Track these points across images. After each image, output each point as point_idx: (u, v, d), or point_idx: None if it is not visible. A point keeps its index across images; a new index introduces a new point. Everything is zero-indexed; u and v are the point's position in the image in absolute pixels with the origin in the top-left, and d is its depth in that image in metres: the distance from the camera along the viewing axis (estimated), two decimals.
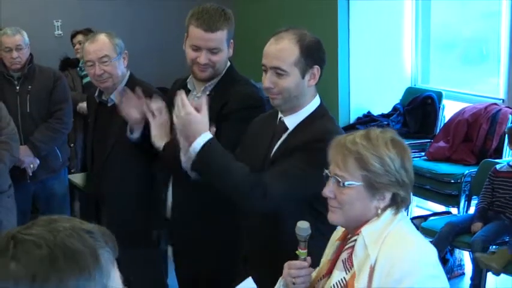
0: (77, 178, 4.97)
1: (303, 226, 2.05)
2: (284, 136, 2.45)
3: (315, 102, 2.45)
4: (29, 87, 4.45)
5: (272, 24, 6.63)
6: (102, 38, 3.27)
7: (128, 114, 3.01)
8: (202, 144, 2.32)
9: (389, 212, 1.91)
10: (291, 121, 2.43)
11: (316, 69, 2.38)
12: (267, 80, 2.37)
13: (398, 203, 1.91)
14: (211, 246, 2.89)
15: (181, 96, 2.36)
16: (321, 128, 2.37)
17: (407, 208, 1.96)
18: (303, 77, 2.37)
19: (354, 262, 1.89)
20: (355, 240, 1.93)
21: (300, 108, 2.42)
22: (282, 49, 2.34)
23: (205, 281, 2.98)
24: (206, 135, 2.33)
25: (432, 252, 1.87)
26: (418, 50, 6.21)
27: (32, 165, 4.37)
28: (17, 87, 4.44)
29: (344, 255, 1.97)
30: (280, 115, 2.48)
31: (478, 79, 6.04)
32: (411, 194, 1.94)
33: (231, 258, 2.79)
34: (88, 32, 5.33)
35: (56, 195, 4.46)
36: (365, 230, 1.90)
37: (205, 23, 2.74)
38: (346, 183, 1.90)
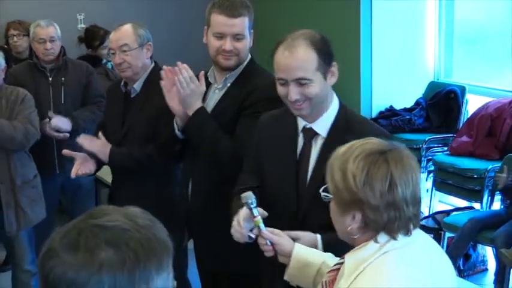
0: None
1: (246, 195, 2.18)
2: (318, 145, 2.36)
3: (335, 100, 2.39)
4: (63, 79, 4.49)
5: (293, 21, 6.65)
6: (126, 27, 3.27)
7: (171, 106, 2.89)
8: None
9: (378, 240, 1.70)
10: (321, 127, 2.35)
11: (334, 66, 2.31)
12: (293, 93, 2.24)
13: (379, 227, 1.68)
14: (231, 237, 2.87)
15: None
16: (373, 130, 2.29)
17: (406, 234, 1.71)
18: (325, 79, 2.29)
19: None
20: (341, 263, 1.79)
21: (325, 111, 2.34)
22: (301, 59, 2.22)
23: (225, 276, 2.97)
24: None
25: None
26: (441, 44, 6.16)
27: (61, 132, 4.32)
28: (50, 79, 4.48)
29: (326, 277, 1.86)
30: (303, 123, 2.37)
31: (501, 73, 5.97)
32: (404, 217, 1.68)
33: (252, 251, 2.76)
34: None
35: (83, 187, 4.49)
36: (348, 258, 1.75)
37: (228, 9, 2.80)
38: (322, 194, 1.81)
